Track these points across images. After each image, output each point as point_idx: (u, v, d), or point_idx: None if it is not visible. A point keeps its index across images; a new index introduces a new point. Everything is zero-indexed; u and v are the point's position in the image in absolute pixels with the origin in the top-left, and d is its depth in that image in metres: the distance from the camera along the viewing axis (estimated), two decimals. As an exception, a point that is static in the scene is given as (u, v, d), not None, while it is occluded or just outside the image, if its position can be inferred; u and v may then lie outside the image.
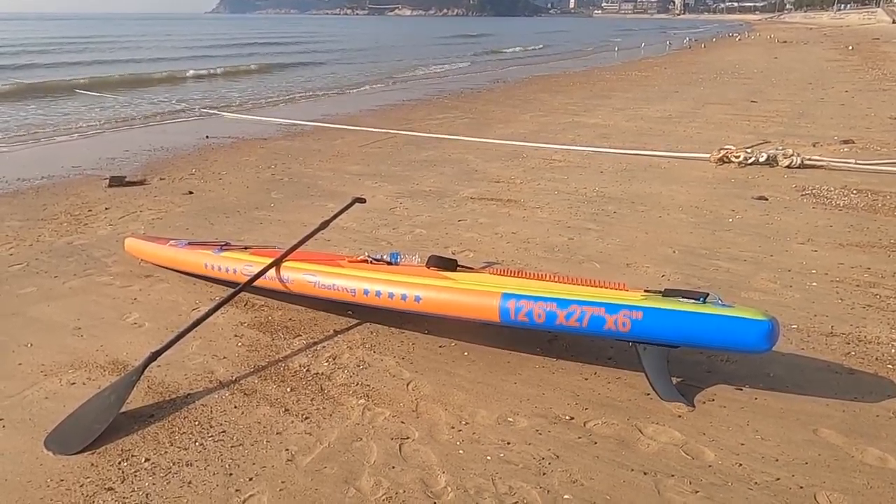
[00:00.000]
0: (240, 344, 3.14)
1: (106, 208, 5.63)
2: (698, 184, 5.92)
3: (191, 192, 6.09)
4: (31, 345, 3.17)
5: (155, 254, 4.00)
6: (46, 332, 3.29)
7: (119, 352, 3.08)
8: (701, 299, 2.49)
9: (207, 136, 9.19)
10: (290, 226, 4.96)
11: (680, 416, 2.47)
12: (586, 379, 2.75)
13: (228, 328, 3.31)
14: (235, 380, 2.82)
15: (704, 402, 2.56)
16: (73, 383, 2.82)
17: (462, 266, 3.14)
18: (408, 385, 2.74)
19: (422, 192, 5.87)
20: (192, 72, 17.50)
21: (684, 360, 2.79)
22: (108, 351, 3.10)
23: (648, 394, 2.61)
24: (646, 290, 2.68)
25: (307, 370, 2.89)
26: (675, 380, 2.66)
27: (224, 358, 3.01)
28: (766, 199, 5.33)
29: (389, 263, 3.24)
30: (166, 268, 3.99)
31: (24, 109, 12.27)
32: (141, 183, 6.56)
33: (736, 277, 3.78)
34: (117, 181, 6.46)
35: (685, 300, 2.50)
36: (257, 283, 3.28)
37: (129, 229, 5.02)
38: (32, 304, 3.64)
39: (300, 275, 3.18)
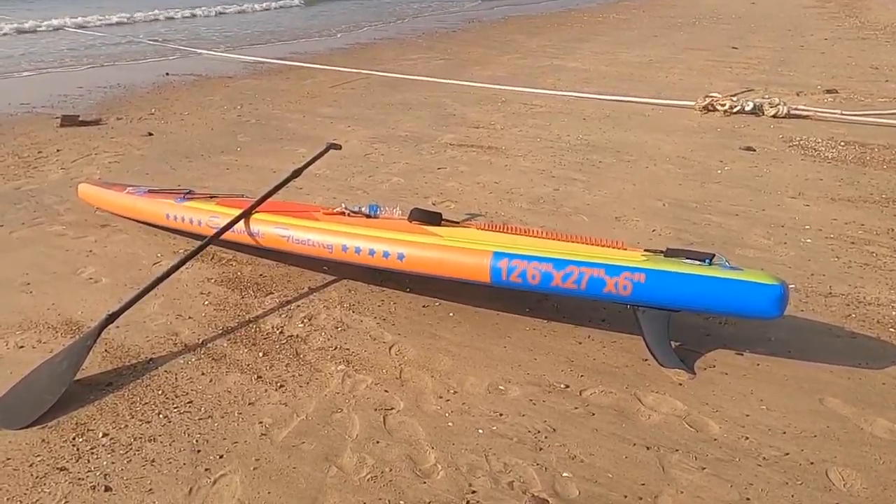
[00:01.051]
0: (206, 303, 2.91)
1: (58, 150, 5.23)
2: (684, 133, 5.74)
3: (150, 134, 5.69)
4: (-27, 303, 2.89)
5: (111, 202, 3.69)
6: (-9, 288, 3.01)
7: (73, 311, 2.83)
8: (707, 261, 2.32)
9: (167, 74, 8.65)
10: (258, 172, 4.66)
11: (681, 384, 2.33)
12: (580, 343, 2.59)
13: (193, 285, 3.06)
14: (202, 343, 2.60)
15: (705, 369, 2.42)
16: (22, 346, 2.57)
17: (447, 220, 2.92)
18: (390, 349, 2.55)
19: (398, 138, 5.58)
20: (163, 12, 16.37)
21: (682, 322, 2.63)
22: (61, 310, 2.84)
23: (646, 359, 2.47)
24: (646, 250, 2.50)
25: (280, 332, 2.68)
26: (673, 344, 2.52)
27: (189, 318, 2.78)
28: (754, 150, 5.18)
29: (368, 216, 3.01)
30: (124, 217, 3.69)
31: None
32: (96, 123, 6.13)
33: (729, 233, 3.64)
34: (70, 120, 6.01)
35: (690, 262, 2.34)
36: (224, 236, 3.03)
37: (83, 174, 4.67)
38: (-24, 257, 3.33)
39: (272, 228, 2.93)
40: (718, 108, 6.38)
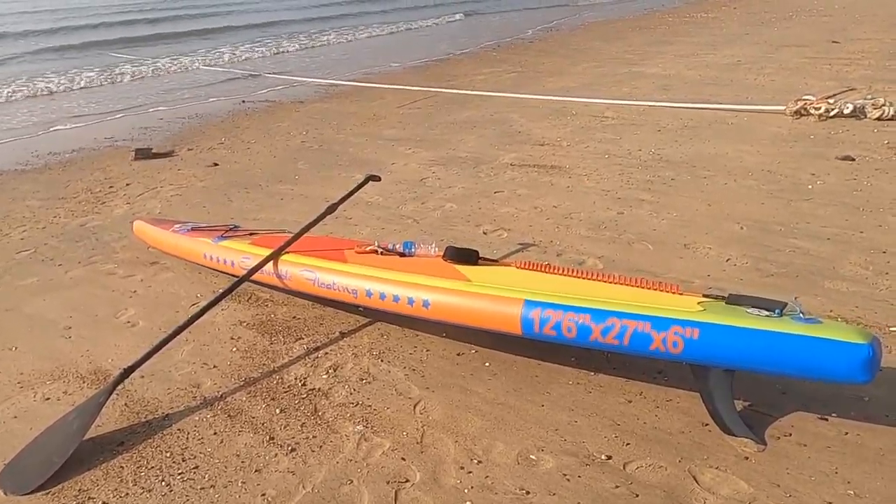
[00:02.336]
0: (235, 349, 2.79)
1: (127, 184, 5.37)
2: (771, 142, 5.20)
3: (216, 164, 5.76)
4: (16, 348, 2.91)
5: (159, 239, 3.68)
6: (35, 333, 3.03)
7: (104, 358, 2.78)
8: (777, 311, 1.96)
9: (244, 101, 8.86)
10: (312, 202, 4.57)
11: (747, 458, 1.97)
12: (629, 401, 2.27)
13: (226, 328, 2.96)
14: (222, 396, 2.47)
15: (779, 438, 2.05)
16: (48, 398, 2.53)
17: (484, 259, 2.67)
18: (415, 407, 2.32)
19: (458, 159, 5.37)
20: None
21: (751, 375, 2.26)
22: (93, 357, 2.80)
23: (707, 424, 2.12)
24: (704, 296, 2.16)
25: (303, 384, 2.51)
26: (739, 404, 2.15)
27: (214, 367, 2.66)
28: (853, 160, 4.60)
29: (402, 255, 2.80)
30: (171, 255, 3.67)
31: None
32: (168, 154, 6.29)
33: (818, 261, 3.18)
34: (143, 153, 6.19)
35: (755, 312, 1.98)
36: (257, 277, 2.92)
37: (145, 208, 4.74)
38: (30, 298, 3.39)
39: (298, 270, 2.78)
40: (812, 111, 5.77)
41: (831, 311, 2.72)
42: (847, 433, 2.04)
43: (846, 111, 5.64)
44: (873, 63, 8.16)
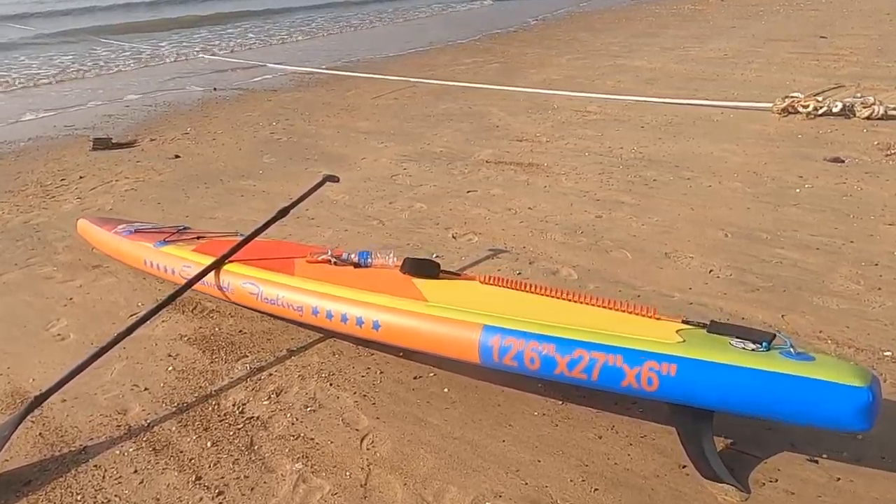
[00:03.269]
0: (170, 368, 2.53)
1: (80, 177, 5.07)
2: (757, 141, 4.99)
3: (177, 157, 5.47)
4: (-68, 365, 2.63)
5: (101, 241, 3.40)
6: (-45, 347, 2.75)
7: (25, 378, 2.52)
8: (764, 344, 1.73)
9: (215, 89, 8.53)
10: (273, 199, 4.29)
11: (728, 509, 1.76)
12: (600, 437, 2.04)
13: (164, 344, 2.70)
14: (149, 425, 2.21)
15: (764, 484, 1.83)
16: (-44, 426, 2.26)
17: (445, 272, 2.43)
18: (362, 441, 2.09)
19: (431, 155, 5.12)
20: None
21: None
22: (14, 376, 2.54)
23: (684, 466, 1.90)
24: (684, 322, 1.93)
25: (241, 412, 2.26)
26: (720, 441, 1.94)
27: (145, 390, 2.41)
28: (843, 162, 4.41)
29: (357, 265, 2.55)
30: (113, 258, 3.40)
31: (40, 57, 11.67)
32: (129, 145, 5.98)
33: (806, 274, 2.97)
34: (102, 143, 5.87)
35: (740, 344, 1.75)
36: (201, 287, 2.66)
37: (96, 204, 4.45)
38: (-44, 306, 3.10)
39: (241, 282, 2.52)
40: (800, 109, 5.57)
41: (821, 331, 2.52)
42: (839, 479, 1.83)
43: (835, 109, 5.44)
44: (861, 59, 7.98)
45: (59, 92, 8.89)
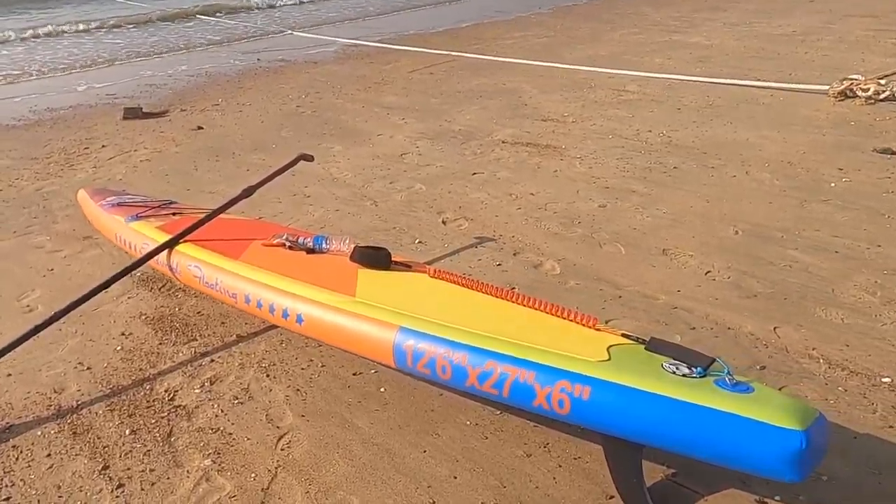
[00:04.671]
0: (119, 348, 2.49)
1: (103, 146, 5.13)
2: (803, 128, 4.56)
3: (200, 128, 5.47)
4: None
5: (89, 213, 3.38)
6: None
7: (-19, 349, 2.52)
8: (698, 370, 1.50)
9: (258, 59, 8.55)
10: (280, 177, 4.21)
11: (647, 553, 1.55)
12: (528, 455, 1.86)
13: (122, 321, 2.66)
14: (78, 407, 2.17)
15: (695, 526, 1.61)
16: None
17: (398, 262, 2.27)
18: (279, 440, 1.97)
19: (449, 133, 4.92)
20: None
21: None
22: (-29, 346, 2.54)
23: (612, 497, 1.70)
24: (624, 335, 1.71)
25: (171, 399, 2.19)
26: (659, 470, 1.72)
27: (88, 369, 2.37)
28: (894, 153, 3.96)
29: (311, 251, 2.42)
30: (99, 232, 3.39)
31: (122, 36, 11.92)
32: (160, 115, 6.03)
33: (815, 281, 2.65)
34: (132, 113, 5.95)
35: (672, 367, 1.53)
36: (157, 267, 2.61)
37: (109, 174, 4.50)
38: (-53, 272, 3.17)
39: (188, 263, 2.44)
40: (859, 93, 5.06)
41: (814, 349, 2.23)
42: (788, 527, 1.59)
43: (899, 94, 4.91)
44: (948, 39, 7.22)
45: (119, 63, 9.12)
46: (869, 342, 2.25)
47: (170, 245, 2.53)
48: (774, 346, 2.25)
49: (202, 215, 2.93)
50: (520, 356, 1.60)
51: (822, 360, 2.17)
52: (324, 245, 2.44)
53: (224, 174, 4.34)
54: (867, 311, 2.43)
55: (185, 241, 2.55)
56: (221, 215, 2.97)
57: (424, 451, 1.89)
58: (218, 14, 12.85)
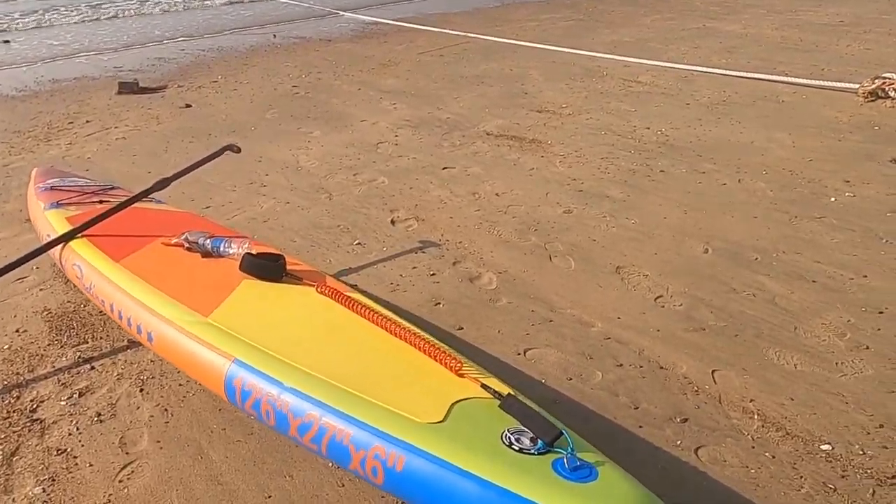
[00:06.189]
0: (8, 346, 2.34)
1: (87, 121, 5.04)
2: (819, 130, 4.13)
3: (188, 106, 5.33)
4: None
5: (28, 194, 3.26)
6: None
7: None
8: (540, 444, 1.24)
9: (274, 36, 8.39)
10: (241, 161, 4.01)
11: None
12: (380, 512, 1.62)
13: (23, 316, 2.52)
14: (-65, 413, 2.03)
15: None
16: None
17: (292, 273, 2.05)
18: (122, 469, 1.79)
19: (434, 121, 4.65)
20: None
21: None
22: None
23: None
24: (483, 386, 1.44)
25: (32, 411, 2.02)
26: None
27: (-35, 369, 2.23)
28: (913, 165, 3.53)
29: (208, 254, 2.22)
30: (38, 215, 3.26)
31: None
32: (156, 90, 5.93)
33: (779, 315, 2.32)
34: (128, 88, 5.86)
35: (513, 437, 1.26)
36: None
37: (81, 151, 4.39)
38: None
39: (72, 261, 2.26)
40: (892, 93, 4.57)
41: (751, 401, 1.92)
42: None
43: (936, 96, 4.42)
44: None
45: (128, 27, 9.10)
46: (818, 397, 1.92)
47: (65, 239, 2.36)
48: (707, 394, 1.95)
49: (130, 205, 2.76)
50: (342, 409, 1.36)
51: (756, 416, 1.86)
52: (222, 248, 2.24)
53: (191, 158, 4.15)
54: (828, 357, 2.10)
55: (84, 236, 2.37)
56: (147, 206, 2.81)
57: (269, 497, 1.68)
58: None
